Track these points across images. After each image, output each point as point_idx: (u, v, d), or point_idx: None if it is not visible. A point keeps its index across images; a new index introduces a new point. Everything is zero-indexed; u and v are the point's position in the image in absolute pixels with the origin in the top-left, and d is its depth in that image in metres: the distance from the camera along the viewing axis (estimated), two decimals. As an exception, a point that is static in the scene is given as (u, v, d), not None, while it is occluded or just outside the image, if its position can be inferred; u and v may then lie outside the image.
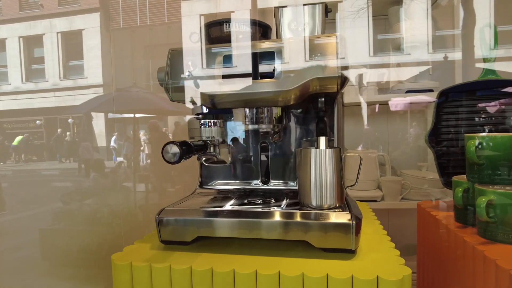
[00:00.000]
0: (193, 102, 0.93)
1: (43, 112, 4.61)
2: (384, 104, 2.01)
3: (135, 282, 0.76)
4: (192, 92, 0.88)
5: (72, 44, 4.39)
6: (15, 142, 4.08)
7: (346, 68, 0.82)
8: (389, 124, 2.11)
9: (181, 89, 0.89)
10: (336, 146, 0.96)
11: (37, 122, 4.63)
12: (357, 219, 0.76)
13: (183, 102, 0.92)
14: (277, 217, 0.80)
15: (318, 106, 0.89)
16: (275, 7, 1.11)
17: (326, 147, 0.83)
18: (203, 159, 1.01)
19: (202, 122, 0.92)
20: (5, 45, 4.12)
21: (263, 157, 1.03)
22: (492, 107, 1.10)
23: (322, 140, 0.84)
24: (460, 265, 0.89)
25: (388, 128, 2.10)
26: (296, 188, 0.93)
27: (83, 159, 3.93)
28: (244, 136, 1.04)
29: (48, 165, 4.24)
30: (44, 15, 4.26)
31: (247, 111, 0.89)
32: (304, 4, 1.06)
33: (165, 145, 0.75)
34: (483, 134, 0.92)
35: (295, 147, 1.02)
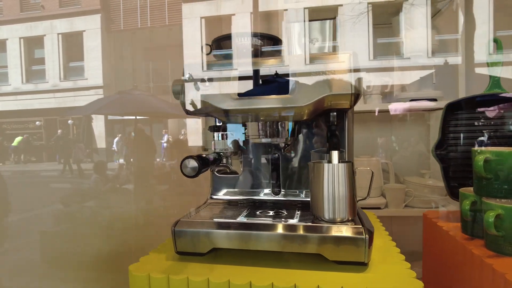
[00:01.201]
0: (207, 114, 0.95)
1: (43, 113, 4.61)
2: (386, 111, 2.04)
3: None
4: (207, 105, 0.89)
5: (72, 45, 4.39)
6: (14, 143, 4.08)
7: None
8: (392, 131, 2.14)
9: (197, 103, 0.90)
10: (347, 159, 0.98)
11: (37, 123, 4.63)
12: (370, 233, 0.78)
13: (199, 114, 0.94)
14: (292, 230, 0.82)
15: (330, 120, 0.91)
16: (284, 20, 1.13)
17: (339, 162, 0.85)
18: (216, 170, 1.03)
19: (215, 134, 0.94)
20: (5, 46, 4.12)
21: (274, 168, 1.05)
22: (496, 119, 1.13)
23: (335, 154, 0.86)
24: (468, 277, 0.92)
25: (391, 134, 2.12)
26: (307, 199, 0.95)
27: (76, 160, 3.94)
28: (256, 148, 1.06)
29: (47, 166, 4.25)
30: (45, 16, 4.26)
31: (261, 125, 0.91)
32: (311, 20, 1.08)
33: (183, 160, 0.77)
34: (490, 148, 0.94)
35: (305, 158, 1.04)
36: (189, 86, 0.92)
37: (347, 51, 0.85)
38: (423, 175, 1.92)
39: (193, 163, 0.76)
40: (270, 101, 0.84)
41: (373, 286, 0.69)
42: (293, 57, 0.89)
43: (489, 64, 1.31)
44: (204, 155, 0.86)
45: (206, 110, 0.89)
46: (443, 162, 1.14)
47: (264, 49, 0.97)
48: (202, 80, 0.89)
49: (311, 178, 0.87)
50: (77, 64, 4.48)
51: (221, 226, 0.86)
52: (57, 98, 4.50)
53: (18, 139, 4.14)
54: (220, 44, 0.99)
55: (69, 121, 4.51)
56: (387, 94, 1.98)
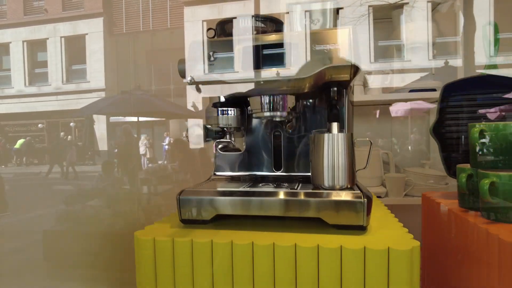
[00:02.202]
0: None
1: (46, 116, 4.63)
2: (387, 104, 2.07)
3: (158, 257, 0.80)
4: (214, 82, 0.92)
5: (75, 48, 4.43)
6: (17, 145, 4.11)
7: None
8: (392, 124, 2.16)
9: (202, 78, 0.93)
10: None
11: (39, 125, 4.65)
12: (368, 198, 0.80)
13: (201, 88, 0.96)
14: (292, 196, 0.84)
15: (331, 95, 0.94)
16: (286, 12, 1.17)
17: (338, 132, 0.88)
18: (219, 146, 1.06)
19: (219, 110, 0.97)
20: (9, 49, 4.15)
21: (276, 146, 1.08)
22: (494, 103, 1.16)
23: (335, 125, 0.89)
24: (464, 244, 0.94)
25: (391, 127, 2.15)
26: (308, 174, 0.97)
27: (69, 163, 3.98)
28: (258, 126, 1.09)
29: (49, 167, 4.28)
30: (48, 19, 4.30)
31: (263, 99, 0.94)
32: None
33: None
34: (486, 122, 0.97)
35: (306, 138, 1.07)
36: (193, 65, 0.95)
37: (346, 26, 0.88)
38: (423, 165, 1.95)
39: (199, 131, 0.79)
40: (272, 74, 0.87)
41: (371, 244, 0.71)
42: (294, 32, 0.92)
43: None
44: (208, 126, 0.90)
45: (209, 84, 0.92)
46: (441, 142, 1.16)
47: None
48: (208, 56, 0.92)
49: (312, 149, 0.90)
50: (79, 67, 4.53)
51: (224, 194, 0.89)
52: (59, 101, 4.54)
53: (20, 141, 4.17)
54: (224, 27, 1.02)
55: (71, 124, 4.54)
56: (387, 90, 2.01)
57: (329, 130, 0.89)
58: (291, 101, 0.97)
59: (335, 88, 0.93)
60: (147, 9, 4.38)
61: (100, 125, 4.30)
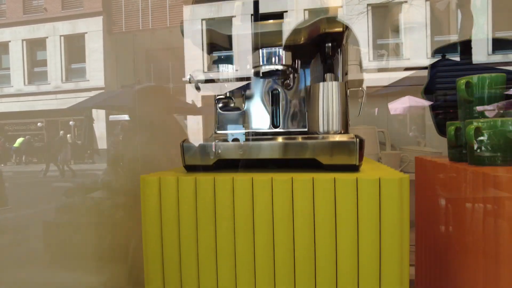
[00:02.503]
0: (212, 44, 1.02)
1: (45, 115, 4.65)
2: (384, 87, 2.12)
3: (163, 194, 0.85)
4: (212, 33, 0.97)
5: (74, 47, 4.46)
6: (16, 144, 4.12)
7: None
8: (388, 111, 2.21)
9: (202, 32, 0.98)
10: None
11: (39, 124, 4.66)
12: (360, 139, 0.85)
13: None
14: (289, 139, 0.89)
15: (325, 51, 0.99)
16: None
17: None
18: (220, 105, 1.10)
19: (220, 65, 1.01)
20: (8, 48, 4.18)
21: (274, 103, 1.12)
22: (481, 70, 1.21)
23: (329, 76, 0.93)
24: (455, 189, 0.98)
25: (387, 112, 2.20)
26: (305, 129, 1.02)
27: (62, 161, 3.99)
28: (257, 84, 1.14)
29: (46, 166, 4.29)
30: (47, 18, 4.34)
31: (261, 52, 0.99)
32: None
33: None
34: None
35: (303, 94, 1.11)
36: (192, 26, 1.00)
37: None
38: (419, 144, 1.99)
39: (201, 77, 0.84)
40: (269, 26, 0.92)
41: (363, 176, 0.76)
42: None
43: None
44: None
45: (210, 40, 0.97)
46: (432, 102, 1.21)
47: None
48: (209, 19, 0.97)
49: (308, 98, 0.95)
50: (79, 66, 4.55)
51: (225, 140, 0.93)
52: (59, 100, 4.56)
53: (19, 140, 4.18)
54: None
55: (71, 122, 4.56)
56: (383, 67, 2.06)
57: (324, 80, 0.94)
58: (288, 59, 1.01)
59: (329, 44, 0.98)
60: (146, 8, 4.43)
61: (99, 123, 4.34)
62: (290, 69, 1.01)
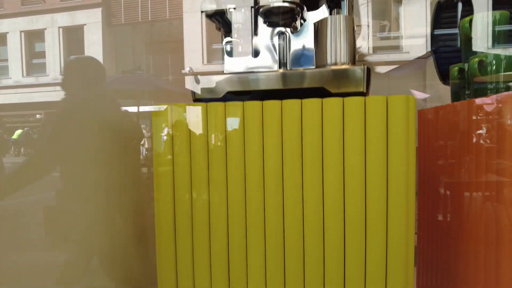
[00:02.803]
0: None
1: (44, 106, 4.62)
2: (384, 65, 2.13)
3: (174, 122, 0.85)
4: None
5: (73, 39, 4.42)
6: (14, 136, 4.09)
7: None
8: (390, 82, 2.23)
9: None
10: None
11: (37, 116, 4.64)
12: (368, 67, 0.86)
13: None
14: (297, 70, 0.90)
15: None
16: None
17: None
18: (227, 49, 1.11)
19: (228, 7, 1.02)
20: (6, 39, 4.15)
21: (281, 47, 1.13)
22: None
23: (336, 10, 0.95)
24: (457, 123, 0.99)
25: (388, 83, 2.22)
26: (313, 68, 1.02)
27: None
28: (264, 28, 1.14)
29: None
30: (46, 9, 4.30)
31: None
32: None
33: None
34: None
35: (309, 37, 1.11)
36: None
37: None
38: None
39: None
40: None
41: (370, 98, 0.77)
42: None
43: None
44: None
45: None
46: (435, 52, 1.22)
47: None
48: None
49: (316, 34, 0.96)
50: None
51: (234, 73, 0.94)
52: (57, 92, 4.53)
53: (18, 132, 4.15)
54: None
55: (69, 115, 4.54)
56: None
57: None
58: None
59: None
60: (146, 0, 4.42)
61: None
62: (298, 8, 1.02)
